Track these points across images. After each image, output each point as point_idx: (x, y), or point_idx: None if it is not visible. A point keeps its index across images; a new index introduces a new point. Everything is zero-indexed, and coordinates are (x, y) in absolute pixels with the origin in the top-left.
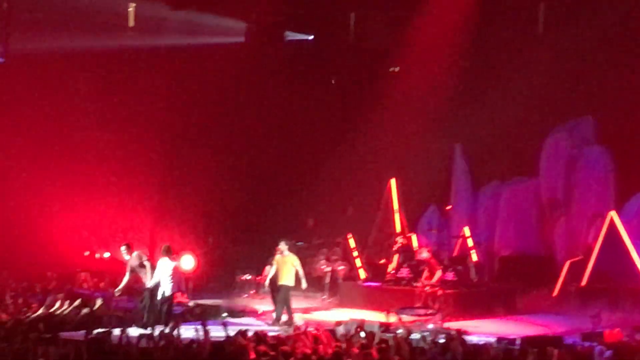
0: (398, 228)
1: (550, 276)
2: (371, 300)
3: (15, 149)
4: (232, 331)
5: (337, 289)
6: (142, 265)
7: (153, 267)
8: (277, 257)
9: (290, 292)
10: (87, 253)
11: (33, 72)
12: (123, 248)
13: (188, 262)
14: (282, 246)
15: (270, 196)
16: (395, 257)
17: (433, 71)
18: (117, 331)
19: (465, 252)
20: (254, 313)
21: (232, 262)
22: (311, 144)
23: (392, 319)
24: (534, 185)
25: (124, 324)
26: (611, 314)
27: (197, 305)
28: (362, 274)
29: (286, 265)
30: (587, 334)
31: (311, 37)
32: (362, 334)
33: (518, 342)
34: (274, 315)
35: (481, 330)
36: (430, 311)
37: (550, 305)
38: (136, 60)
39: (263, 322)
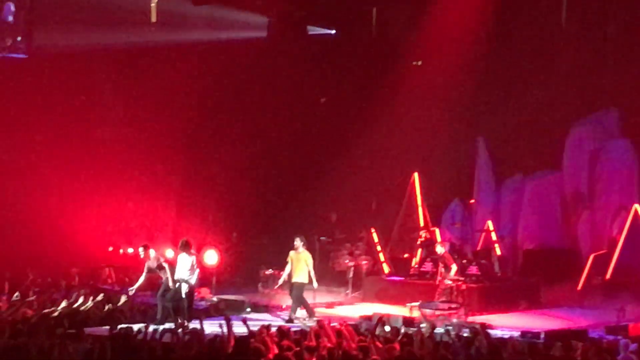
0: (421, 222)
1: (574, 270)
2: (395, 295)
3: (39, 145)
4: (255, 326)
5: (361, 284)
6: (160, 267)
7: (171, 267)
8: (292, 253)
9: (303, 289)
10: (110, 249)
11: (56, 68)
12: (140, 249)
13: (211, 257)
14: (297, 242)
15: (294, 191)
16: (419, 251)
17: (456, 64)
18: (141, 327)
19: (488, 246)
20: (277, 308)
21: (256, 257)
22: (334, 138)
23: (416, 313)
24: (557, 178)
25: (148, 319)
26: (636, 307)
27: (221, 300)
28: (386, 268)
29: (300, 262)
30: (611, 327)
31: (333, 32)
32: (387, 328)
33: (542, 335)
34: (290, 314)
35: (505, 324)
36: (454, 305)
37: (575, 298)
38: (158, 55)
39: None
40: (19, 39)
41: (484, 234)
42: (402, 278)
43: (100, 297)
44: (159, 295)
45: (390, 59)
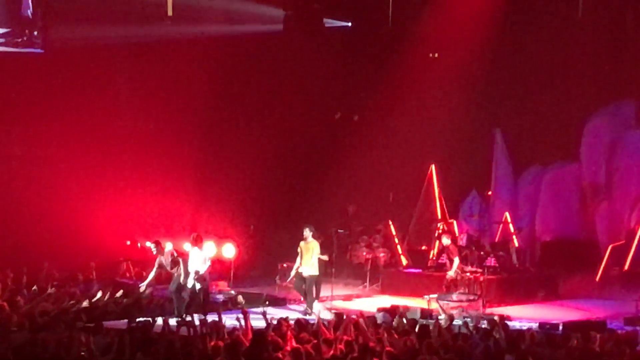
0: (439, 214)
1: (592, 261)
2: (412, 287)
3: (56, 140)
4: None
5: (378, 276)
6: (175, 262)
7: (185, 262)
8: (302, 244)
9: (314, 281)
10: (128, 242)
11: (72, 63)
12: (152, 245)
13: (229, 250)
14: (306, 232)
15: (311, 183)
16: (436, 243)
17: (472, 56)
18: (159, 320)
19: (506, 238)
20: (295, 301)
21: (274, 250)
22: (351, 131)
23: (434, 305)
24: (575, 169)
25: (166, 312)
26: None
27: (239, 293)
28: (403, 260)
29: (309, 252)
30: (630, 318)
31: (350, 24)
32: (404, 320)
33: (561, 327)
34: (307, 307)
35: (523, 316)
36: (472, 297)
37: (593, 290)
38: (175, 49)
39: (302, 310)
40: (35, 33)
41: (501, 225)
42: (420, 270)
43: (119, 293)
44: (173, 291)
45: (406, 51)
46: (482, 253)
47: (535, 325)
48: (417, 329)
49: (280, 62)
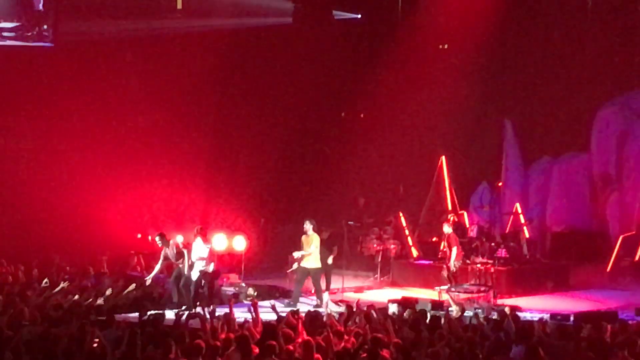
0: (449, 205)
1: (603, 251)
2: (423, 279)
3: (66, 133)
4: (284, 312)
5: (389, 268)
6: (180, 254)
7: (190, 254)
8: (303, 237)
9: (319, 274)
10: (139, 235)
11: (82, 56)
12: (157, 238)
13: (240, 242)
14: (307, 226)
15: (322, 176)
16: None
17: (482, 47)
18: (170, 313)
19: (517, 229)
20: (306, 293)
21: (285, 242)
22: (361, 123)
23: (445, 296)
24: (585, 160)
25: (177, 305)
26: None
27: (250, 286)
28: (414, 252)
29: (309, 245)
30: None
31: (359, 16)
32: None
33: (572, 318)
34: (317, 300)
35: (534, 307)
36: (482, 288)
37: (604, 280)
38: (184, 42)
39: (314, 302)
40: (45, 27)
41: (512, 216)
42: (431, 262)
43: (132, 287)
44: (172, 282)
45: (416, 43)
46: (492, 244)
47: (546, 316)
48: (428, 321)
49: (289, 54)
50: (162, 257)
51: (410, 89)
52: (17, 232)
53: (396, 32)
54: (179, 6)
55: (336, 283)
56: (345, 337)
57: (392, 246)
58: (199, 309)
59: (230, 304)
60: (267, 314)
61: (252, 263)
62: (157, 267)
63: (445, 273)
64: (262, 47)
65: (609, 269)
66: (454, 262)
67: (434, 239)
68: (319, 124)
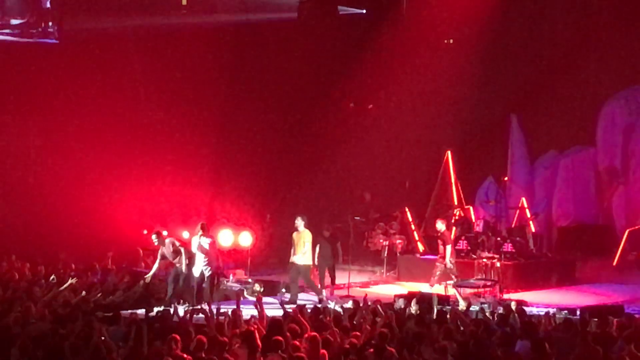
0: (455, 200)
1: (609, 245)
2: (429, 274)
3: (72, 130)
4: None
5: (395, 263)
6: (177, 252)
7: (187, 251)
8: (294, 234)
9: (309, 271)
10: (145, 232)
11: (87, 53)
12: (153, 237)
13: (246, 238)
14: (298, 222)
15: (328, 171)
16: (453, 230)
17: (487, 42)
18: (178, 309)
19: (523, 223)
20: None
21: (291, 238)
22: (367, 118)
23: (451, 291)
24: (591, 154)
25: (184, 302)
26: None
27: (256, 282)
28: (420, 247)
29: (300, 241)
30: None
31: (364, 11)
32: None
33: (578, 312)
34: (317, 296)
35: (541, 301)
36: (489, 283)
37: (610, 274)
38: (189, 38)
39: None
40: (50, 24)
41: (518, 211)
42: (436, 257)
43: (141, 282)
44: (170, 280)
45: (421, 38)
46: (498, 239)
47: (552, 311)
48: (434, 315)
49: (295, 49)
50: (159, 256)
51: (415, 83)
52: (23, 229)
53: (401, 27)
54: (184, 2)
55: (342, 278)
56: (352, 332)
57: (398, 241)
58: (204, 305)
59: (237, 300)
60: (273, 310)
61: (258, 259)
62: (155, 266)
63: (438, 271)
64: (267, 42)
65: (615, 263)
66: (449, 259)
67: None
68: (325, 119)
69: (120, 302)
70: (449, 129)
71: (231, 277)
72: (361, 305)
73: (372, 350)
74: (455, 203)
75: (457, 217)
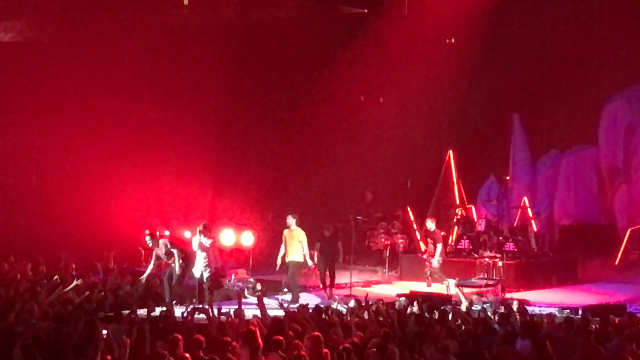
0: (457, 200)
1: (611, 245)
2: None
3: (73, 129)
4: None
5: (397, 262)
6: (169, 253)
7: (181, 252)
8: (285, 232)
9: (296, 268)
10: (147, 231)
11: (89, 52)
12: (147, 238)
13: (248, 238)
14: (290, 220)
15: (329, 170)
16: (455, 229)
17: (488, 41)
18: (179, 309)
19: (525, 222)
20: (314, 288)
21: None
22: (368, 117)
23: (453, 290)
24: (593, 153)
25: (184, 302)
26: None
27: (257, 281)
28: (422, 246)
29: (293, 240)
30: None
31: (365, 11)
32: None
33: (580, 311)
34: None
35: (543, 300)
36: (491, 282)
37: (612, 273)
38: (191, 37)
39: (322, 297)
40: None
41: (520, 210)
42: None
43: (142, 282)
44: (165, 279)
45: (422, 37)
46: (500, 238)
47: (554, 310)
48: (436, 315)
49: (296, 48)
50: (154, 257)
51: (417, 82)
52: (25, 229)
53: (402, 26)
54: (186, 2)
55: (344, 278)
56: (354, 331)
57: (400, 240)
58: (205, 305)
59: (239, 300)
60: (275, 310)
61: (260, 258)
62: (150, 267)
63: (429, 271)
64: (268, 41)
65: (617, 262)
66: (438, 259)
67: (442, 233)
68: (325, 118)
69: (122, 302)
70: (451, 128)
71: (233, 277)
72: (363, 304)
73: (374, 349)
74: (457, 202)
75: (459, 217)
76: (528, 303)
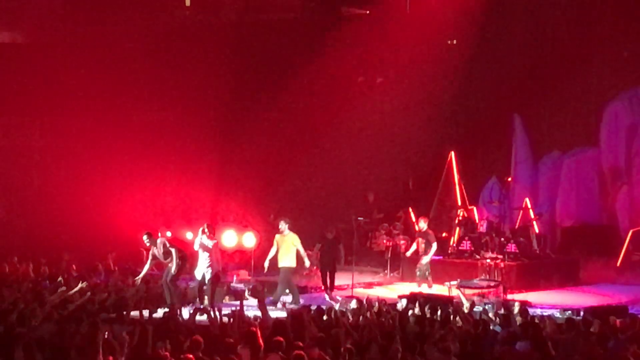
0: (459, 201)
1: (613, 246)
2: (433, 274)
3: (75, 130)
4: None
5: (399, 264)
6: (167, 252)
7: (179, 252)
8: (277, 237)
9: (290, 273)
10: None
11: (91, 53)
12: (145, 237)
13: (250, 239)
14: (282, 226)
15: (330, 171)
16: (457, 230)
17: (490, 42)
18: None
19: (527, 224)
20: (316, 289)
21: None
22: (369, 118)
23: (455, 292)
24: (594, 154)
25: (187, 302)
26: None
27: (259, 282)
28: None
29: (285, 244)
30: None
31: (367, 12)
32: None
33: (582, 312)
34: (271, 297)
35: (544, 302)
36: (492, 283)
37: (614, 275)
38: (193, 38)
39: (326, 298)
40: None
41: (521, 211)
42: (441, 257)
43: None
44: (164, 281)
45: (424, 38)
46: (502, 239)
47: (556, 311)
48: (437, 316)
49: (297, 49)
50: (150, 257)
51: (418, 84)
52: (26, 230)
53: (404, 27)
54: (188, 3)
55: (346, 279)
56: (355, 332)
57: (402, 242)
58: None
59: (241, 301)
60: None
61: (262, 259)
62: (146, 267)
63: (419, 272)
64: (269, 41)
65: (619, 263)
66: (428, 258)
67: (444, 235)
68: (327, 118)
69: (124, 303)
70: (453, 130)
71: (235, 278)
72: (365, 305)
73: (376, 349)
74: (459, 203)
75: (460, 218)
76: (530, 304)
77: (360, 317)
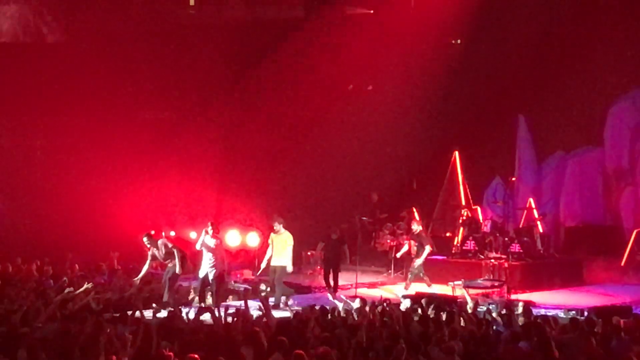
0: (463, 200)
1: (617, 246)
2: (437, 274)
3: (77, 130)
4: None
5: (403, 263)
6: (169, 253)
7: (180, 252)
8: (272, 235)
9: (285, 273)
10: (152, 232)
11: (93, 53)
12: (145, 238)
13: (253, 239)
14: (277, 225)
15: (334, 171)
16: (461, 230)
17: (496, 42)
18: (184, 310)
19: (530, 224)
20: (320, 288)
21: (298, 238)
22: (373, 118)
23: (459, 291)
24: (599, 154)
25: (190, 302)
26: None
27: (263, 282)
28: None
29: (281, 244)
30: None
31: (372, 12)
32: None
33: (586, 312)
34: (272, 300)
35: (548, 302)
36: (496, 283)
37: (618, 275)
38: (197, 38)
39: (329, 298)
40: None
41: (525, 211)
42: (445, 257)
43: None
44: (165, 281)
45: (428, 38)
46: (506, 239)
47: (560, 311)
48: (441, 316)
49: (301, 48)
50: (149, 257)
51: (422, 83)
52: (30, 230)
53: (408, 27)
54: (192, 2)
55: (350, 279)
56: (359, 332)
57: (406, 242)
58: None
59: (245, 300)
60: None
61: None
62: (145, 268)
63: (411, 274)
64: (274, 40)
65: (623, 263)
66: (422, 259)
67: (448, 234)
68: (331, 118)
69: (128, 303)
70: (457, 129)
71: (238, 277)
72: (368, 305)
73: (380, 349)
74: (463, 203)
75: (464, 218)
76: (533, 304)
77: (364, 317)
